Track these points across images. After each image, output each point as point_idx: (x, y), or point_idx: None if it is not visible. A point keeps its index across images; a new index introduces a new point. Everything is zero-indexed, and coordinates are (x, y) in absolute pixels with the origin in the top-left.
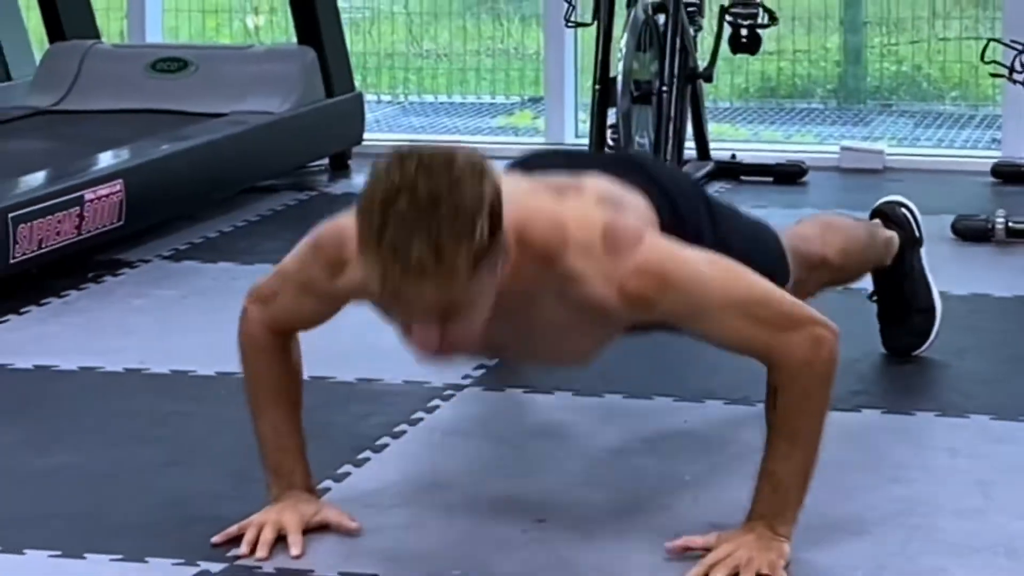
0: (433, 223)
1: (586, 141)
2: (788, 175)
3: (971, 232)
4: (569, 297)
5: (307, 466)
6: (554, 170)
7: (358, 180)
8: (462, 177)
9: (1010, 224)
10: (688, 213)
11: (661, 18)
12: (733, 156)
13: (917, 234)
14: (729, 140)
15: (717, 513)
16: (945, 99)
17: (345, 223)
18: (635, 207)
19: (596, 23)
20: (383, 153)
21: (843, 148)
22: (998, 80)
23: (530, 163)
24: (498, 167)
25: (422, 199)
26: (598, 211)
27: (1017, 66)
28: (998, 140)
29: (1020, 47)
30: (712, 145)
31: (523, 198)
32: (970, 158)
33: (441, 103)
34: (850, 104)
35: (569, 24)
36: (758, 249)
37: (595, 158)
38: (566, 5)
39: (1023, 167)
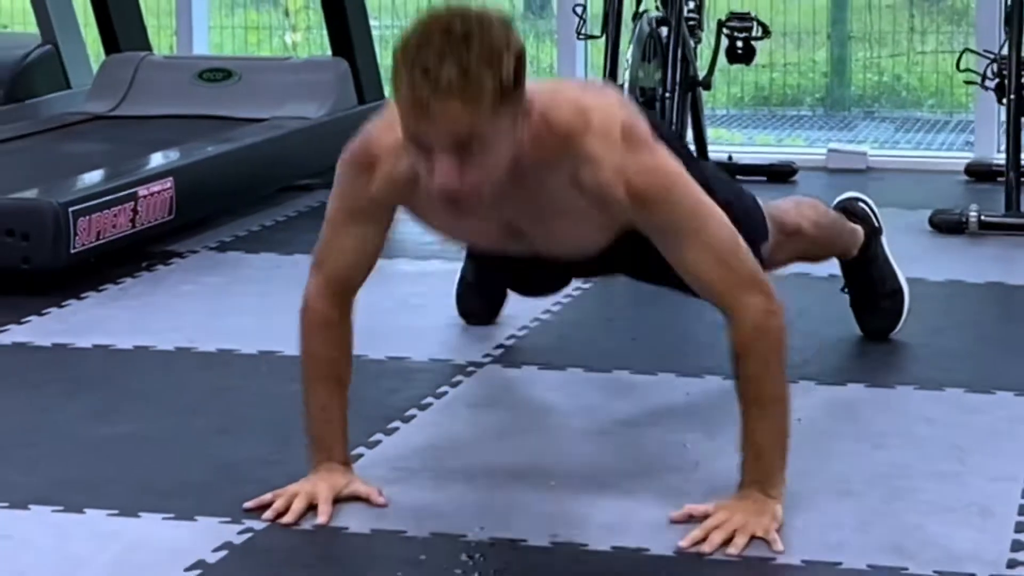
0: (464, 51)
1: None
2: (780, 174)
3: (947, 225)
4: (580, 180)
5: (346, 441)
6: None
7: None
8: (493, 23)
9: (982, 218)
10: (683, 156)
11: (664, 31)
12: (730, 157)
13: (876, 224)
14: (726, 143)
15: (715, 476)
16: (923, 106)
17: (367, 129)
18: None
19: (605, 36)
20: None
21: (830, 150)
22: (971, 88)
23: None
24: None
25: (456, 33)
26: (620, 109)
27: (989, 74)
28: (971, 143)
29: (992, 56)
30: (710, 147)
31: (552, 85)
32: (946, 159)
33: None
34: (836, 111)
35: (580, 37)
36: (741, 201)
37: None
38: (577, 20)
39: (994, 166)
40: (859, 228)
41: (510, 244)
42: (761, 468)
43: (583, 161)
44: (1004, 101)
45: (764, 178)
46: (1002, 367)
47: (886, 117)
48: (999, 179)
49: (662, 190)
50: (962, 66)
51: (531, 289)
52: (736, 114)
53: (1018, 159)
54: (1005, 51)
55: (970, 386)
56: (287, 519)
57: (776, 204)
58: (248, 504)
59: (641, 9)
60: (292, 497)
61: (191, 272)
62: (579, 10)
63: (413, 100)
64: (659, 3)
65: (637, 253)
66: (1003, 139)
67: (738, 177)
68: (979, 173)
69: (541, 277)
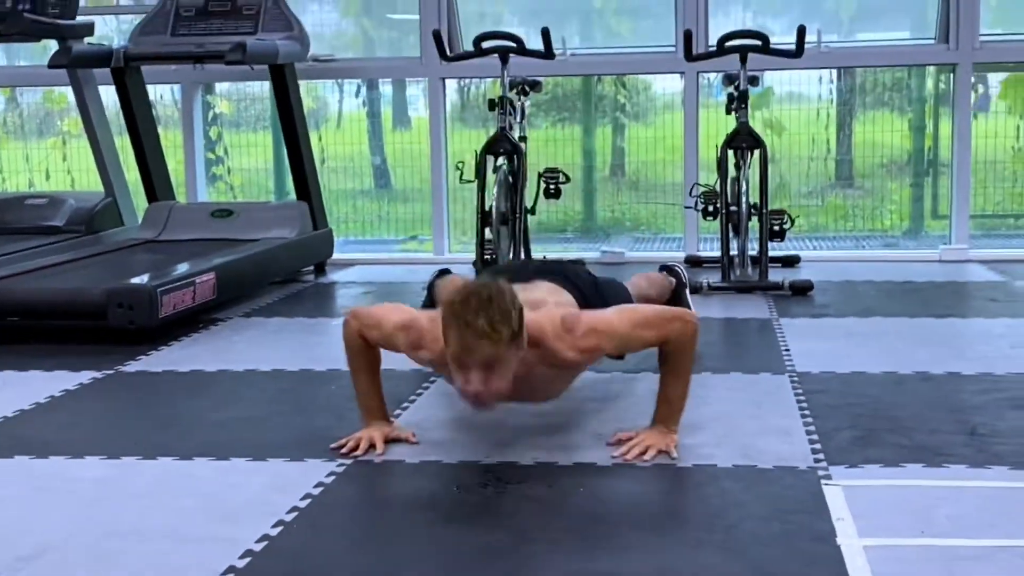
0: (489, 311)
1: (464, 255)
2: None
3: (692, 288)
4: (551, 362)
5: (385, 406)
6: (515, 282)
7: (333, 277)
8: (505, 293)
9: (710, 284)
10: (589, 294)
11: (511, 178)
12: (544, 256)
13: (684, 280)
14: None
15: (627, 422)
16: (639, 230)
17: (425, 324)
18: (568, 300)
19: (477, 180)
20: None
21: (603, 251)
22: (668, 218)
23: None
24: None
25: (484, 300)
26: (556, 311)
27: (698, 204)
28: (683, 245)
29: (703, 190)
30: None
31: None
32: (671, 254)
33: (367, 239)
34: (587, 235)
35: (461, 181)
36: (621, 298)
37: (536, 269)
38: (458, 172)
39: (700, 257)
40: (673, 279)
41: (509, 400)
42: (668, 413)
43: (549, 354)
44: (708, 218)
45: None
46: (752, 360)
47: (618, 236)
48: (704, 264)
49: (598, 338)
50: (694, 194)
51: None
52: (536, 236)
53: (728, 250)
54: (717, 187)
55: (743, 371)
56: (358, 453)
57: (636, 284)
58: (333, 445)
59: (498, 164)
60: (359, 440)
61: (234, 329)
62: (460, 165)
63: (460, 341)
64: (506, 161)
65: None
66: (698, 243)
67: None
68: (693, 262)
69: None
